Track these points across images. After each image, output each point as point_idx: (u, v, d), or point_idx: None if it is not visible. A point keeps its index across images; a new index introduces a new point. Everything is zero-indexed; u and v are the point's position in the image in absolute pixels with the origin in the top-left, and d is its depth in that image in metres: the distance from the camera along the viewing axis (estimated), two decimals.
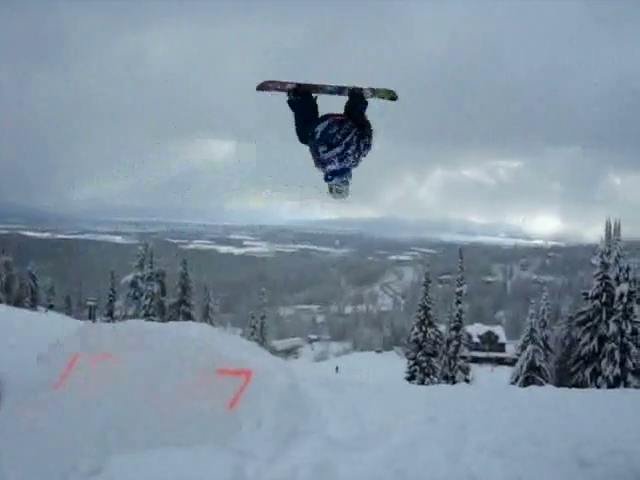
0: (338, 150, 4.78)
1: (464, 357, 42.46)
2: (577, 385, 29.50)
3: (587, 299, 32.79)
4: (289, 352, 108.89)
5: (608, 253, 32.05)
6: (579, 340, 32.44)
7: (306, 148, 4.96)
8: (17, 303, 54.54)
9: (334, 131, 4.79)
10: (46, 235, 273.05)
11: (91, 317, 64.88)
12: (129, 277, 42.25)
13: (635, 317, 30.72)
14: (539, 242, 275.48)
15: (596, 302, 31.82)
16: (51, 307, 65.44)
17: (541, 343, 36.65)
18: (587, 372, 31.31)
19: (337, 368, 66.18)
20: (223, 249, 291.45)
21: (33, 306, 59.06)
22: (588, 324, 32.02)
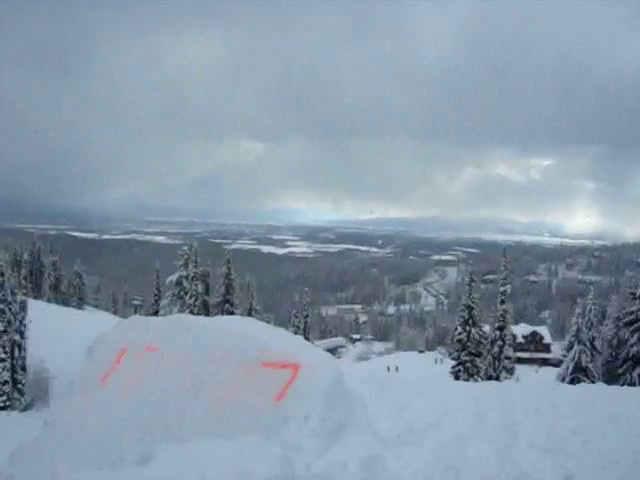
0: None
1: (508, 357, 41.96)
2: (625, 386, 29.01)
3: (635, 299, 32.18)
4: (332, 352, 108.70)
5: None
6: (627, 341, 31.89)
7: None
8: (65, 302, 55.52)
9: None
10: (92, 235, 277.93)
11: None
12: (174, 276, 42.59)
13: None
14: (585, 241, 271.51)
15: None
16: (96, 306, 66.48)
17: (588, 343, 36.04)
18: (635, 373, 30.76)
19: (388, 368, 66.01)
20: (266, 249, 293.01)
21: (80, 305, 60.02)
22: (636, 324, 31.43)
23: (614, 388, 11.67)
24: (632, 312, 32.06)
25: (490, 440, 6.89)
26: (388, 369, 62.98)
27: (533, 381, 34.01)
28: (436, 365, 77.08)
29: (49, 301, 55.04)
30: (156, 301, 51.36)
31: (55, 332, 27.29)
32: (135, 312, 70.29)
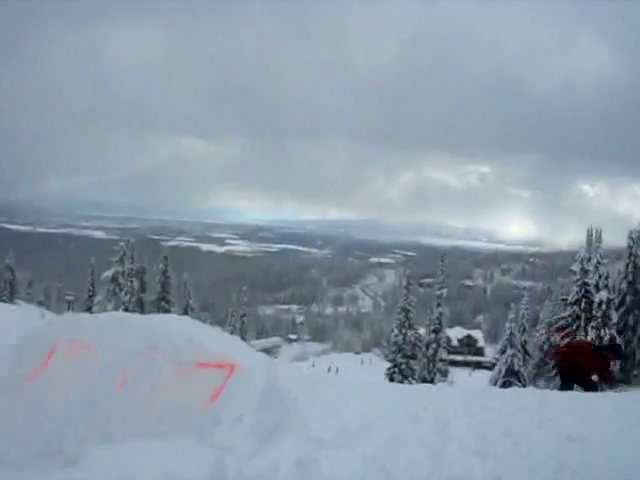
0: None
1: (443, 360, 42.63)
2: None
3: (566, 305, 32.95)
4: (268, 352, 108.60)
5: (588, 260, 32.18)
6: (558, 346, 32.60)
7: None
8: None
9: None
10: (26, 228, 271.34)
11: (69, 312, 64.56)
12: (109, 272, 41.97)
13: (613, 324, 30.90)
14: (520, 248, 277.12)
15: (575, 308, 31.97)
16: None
17: (520, 348, 36.80)
18: None
19: (329, 369, 66.47)
20: (205, 247, 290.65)
21: (11, 300, 58.59)
22: (567, 330, 32.18)
23: (544, 392, 11.92)
24: (563, 318, 32.79)
25: (423, 443, 6.98)
26: (329, 370, 63.40)
27: (466, 384, 34.53)
28: (362, 366, 77.81)
29: None
30: (90, 297, 50.55)
31: None
32: (68, 308, 69.11)
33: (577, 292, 32.18)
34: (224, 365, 6.75)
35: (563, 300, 33.99)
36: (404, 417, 8.15)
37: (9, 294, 60.81)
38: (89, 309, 47.33)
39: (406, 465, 6.20)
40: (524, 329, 37.98)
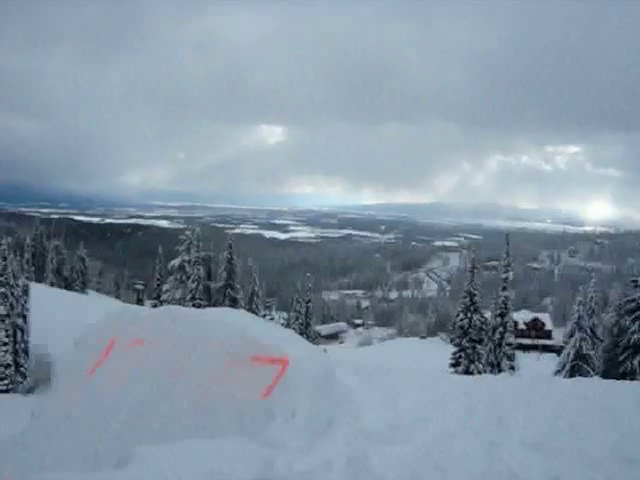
0: None
1: (510, 344, 41.96)
2: (625, 374, 28.99)
3: (636, 286, 32.10)
4: (333, 337, 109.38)
5: None
6: (628, 328, 31.79)
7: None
8: (68, 286, 55.71)
9: None
10: (96, 220, 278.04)
11: (139, 300, 66.10)
12: (176, 261, 42.60)
13: None
14: (588, 228, 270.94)
15: None
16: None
17: (589, 331, 36.01)
18: (635, 361, 30.68)
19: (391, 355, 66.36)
20: (268, 234, 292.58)
21: (83, 289, 60.15)
22: (637, 312, 31.38)
23: (608, 382, 11.64)
24: (633, 300, 31.96)
25: (479, 437, 6.88)
26: (391, 356, 63.20)
27: (532, 370, 34.04)
28: (427, 350, 77.08)
29: (52, 285, 55.16)
30: (158, 286, 51.39)
31: (57, 316, 27.28)
32: (138, 297, 70.59)
33: None
34: (278, 360, 6.77)
35: (633, 281, 33.06)
36: (461, 409, 8.05)
37: (81, 284, 62.36)
38: (158, 297, 48.18)
39: (462, 460, 6.10)
40: (593, 312, 37.14)
